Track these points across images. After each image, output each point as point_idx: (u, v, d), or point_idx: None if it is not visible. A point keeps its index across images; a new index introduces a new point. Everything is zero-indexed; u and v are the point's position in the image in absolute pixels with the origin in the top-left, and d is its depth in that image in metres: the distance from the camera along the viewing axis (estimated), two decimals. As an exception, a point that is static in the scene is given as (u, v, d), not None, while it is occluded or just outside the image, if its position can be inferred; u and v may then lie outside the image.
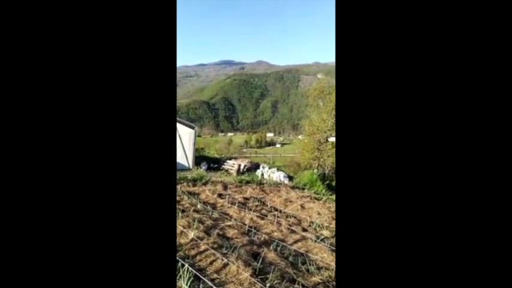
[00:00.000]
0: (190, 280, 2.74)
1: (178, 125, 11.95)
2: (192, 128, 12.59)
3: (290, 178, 12.97)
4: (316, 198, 8.79)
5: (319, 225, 5.76)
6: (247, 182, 10.21)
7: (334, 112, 15.85)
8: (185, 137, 11.90)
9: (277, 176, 12.55)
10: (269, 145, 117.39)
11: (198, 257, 3.41)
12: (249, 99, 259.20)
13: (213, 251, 3.52)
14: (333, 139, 16.60)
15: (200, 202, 6.43)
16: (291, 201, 7.95)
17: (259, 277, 3.04)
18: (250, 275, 2.99)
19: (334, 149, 15.60)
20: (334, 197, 9.81)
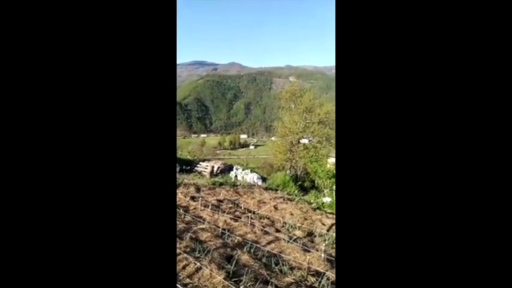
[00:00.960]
0: (162, 286, 2.67)
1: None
2: (164, 129, 12.29)
3: (263, 179, 13.08)
4: (289, 199, 8.94)
5: (291, 226, 5.87)
6: (221, 184, 10.14)
7: (305, 115, 16.24)
8: (156, 138, 11.57)
9: (251, 177, 12.60)
10: (242, 147, 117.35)
11: (170, 262, 3.33)
12: (222, 101, 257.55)
13: (185, 255, 3.46)
14: (304, 141, 16.98)
15: (172, 205, 6.27)
16: (264, 203, 8.02)
17: (232, 280, 3.03)
18: (224, 278, 2.98)
19: (305, 151, 15.97)
20: (306, 197, 10.04)
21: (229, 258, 3.64)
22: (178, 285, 2.74)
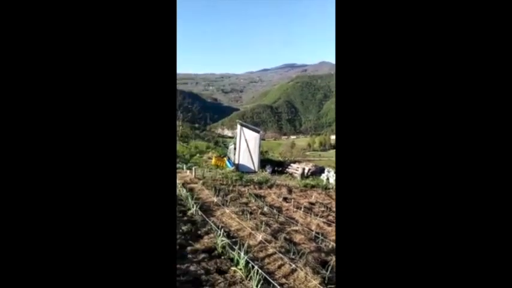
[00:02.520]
0: (260, 283, 2.83)
1: (245, 130, 12.44)
2: (258, 132, 12.97)
3: (358, 184, 12.24)
4: (388, 207, 8.12)
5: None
6: (312, 187, 10.03)
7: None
8: (251, 141, 12.32)
9: (344, 181, 11.98)
10: (334, 148, 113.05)
11: (266, 260, 3.49)
12: (312, 101, 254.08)
13: (280, 255, 3.57)
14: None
15: (266, 205, 6.57)
16: (359, 209, 7.52)
17: (328, 286, 2.96)
18: (319, 283, 2.94)
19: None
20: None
21: (323, 264, 3.57)
22: (275, 284, 2.85)
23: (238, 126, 12.61)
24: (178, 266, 3.08)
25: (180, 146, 15.13)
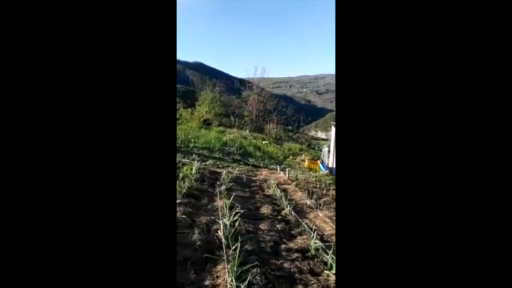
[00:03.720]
0: None
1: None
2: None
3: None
4: None
5: None
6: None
7: None
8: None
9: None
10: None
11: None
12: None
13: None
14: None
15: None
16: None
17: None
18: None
19: None
20: None
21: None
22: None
23: (333, 128, 12.24)
24: (273, 261, 3.28)
25: (273, 148, 15.76)
